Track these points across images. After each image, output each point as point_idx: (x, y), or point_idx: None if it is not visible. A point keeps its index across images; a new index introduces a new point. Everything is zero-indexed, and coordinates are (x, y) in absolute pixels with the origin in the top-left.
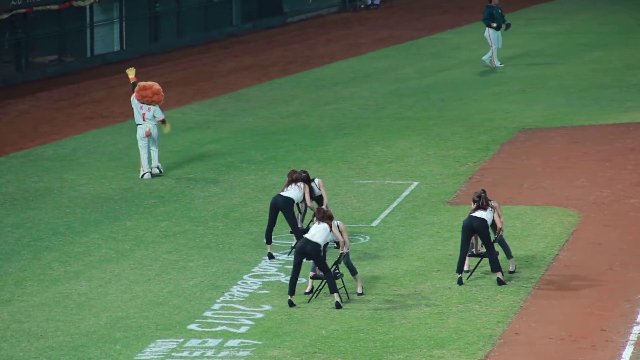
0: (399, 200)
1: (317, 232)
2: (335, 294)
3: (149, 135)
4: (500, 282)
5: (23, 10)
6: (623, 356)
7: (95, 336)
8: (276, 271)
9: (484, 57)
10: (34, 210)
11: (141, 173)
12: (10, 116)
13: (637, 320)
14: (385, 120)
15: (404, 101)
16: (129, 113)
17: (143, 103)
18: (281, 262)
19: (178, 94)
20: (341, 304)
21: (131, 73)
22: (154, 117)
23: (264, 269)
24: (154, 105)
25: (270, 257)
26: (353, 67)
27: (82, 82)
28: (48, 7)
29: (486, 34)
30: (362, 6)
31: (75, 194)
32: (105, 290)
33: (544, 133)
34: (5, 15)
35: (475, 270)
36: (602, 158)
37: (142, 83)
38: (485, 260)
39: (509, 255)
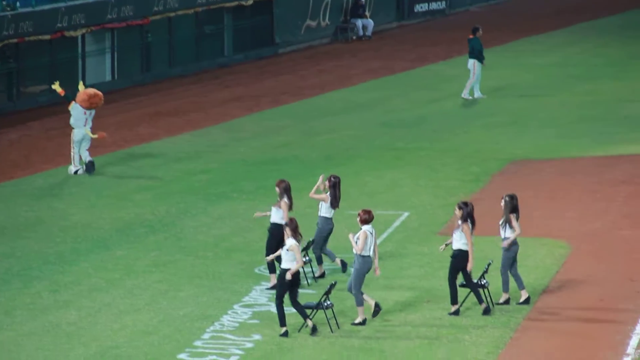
0: (389, 230)
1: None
2: (309, 320)
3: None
4: (486, 312)
5: (15, 40)
6: None
7: None
8: (267, 301)
9: (466, 94)
10: (24, 240)
11: (74, 169)
12: (1, 145)
13: (627, 352)
14: (376, 151)
15: (395, 132)
16: (120, 143)
17: (90, 109)
18: (272, 292)
19: (169, 124)
20: (317, 329)
21: (58, 88)
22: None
23: (254, 298)
24: (95, 109)
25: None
26: (344, 97)
27: None
28: (40, 37)
29: (471, 65)
30: (354, 37)
31: (65, 223)
32: (94, 319)
33: (534, 164)
34: None
35: (465, 300)
36: (593, 190)
37: (89, 91)
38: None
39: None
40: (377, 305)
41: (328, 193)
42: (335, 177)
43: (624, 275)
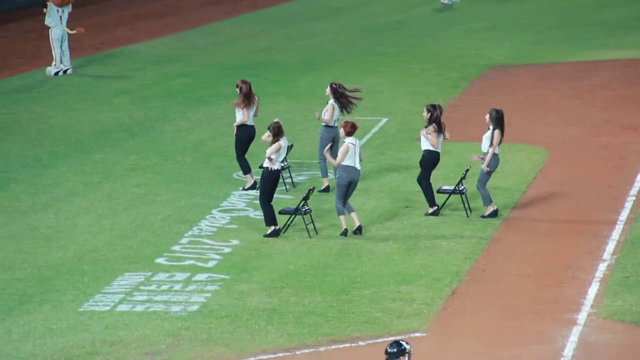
0: (368, 136)
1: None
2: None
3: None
4: (434, 214)
5: None
6: (589, 293)
7: (63, 269)
8: (245, 206)
9: None
10: (1, 142)
11: (54, 70)
12: None
13: (603, 257)
14: (356, 57)
15: (374, 37)
16: (98, 45)
17: (62, 6)
18: (250, 197)
19: (147, 27)
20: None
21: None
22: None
23: (233, 203)
24: (66, 6)
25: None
26: (324, 2)
27: None
28: None
29: None
30: None
31: (43, 126)
32: (73, 223)
33: (513, 70)
34: None
35: (443, 207)
36: (571, 95)
37: None
38: (454, 197)
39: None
40: (359, 228)
41: (330, 101)
42: (336, 84)
43: (601, 182)
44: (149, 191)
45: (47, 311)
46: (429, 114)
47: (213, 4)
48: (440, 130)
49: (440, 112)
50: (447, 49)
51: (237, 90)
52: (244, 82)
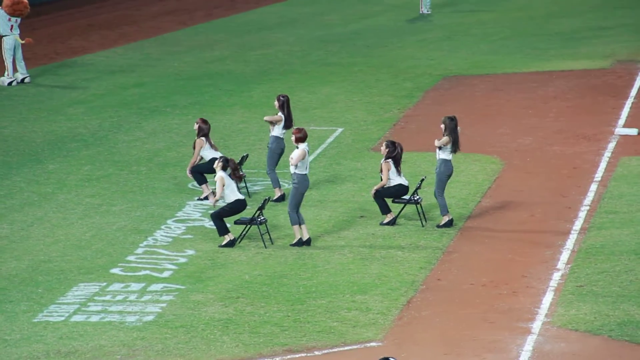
0: (323, 146)
1: None
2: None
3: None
4: (390, 223)
5: None
6: (543, 302)
7: (17, 279)
8: (200, 216)
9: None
10: None
11: (7, 80)
12: None
13: (557, 266)
14: (311, 67)
15: (329, 47)
16: (52, 55)
17: (14, 16)
18: (205, 207)
19: (101, 37)
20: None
21: None
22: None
23: (188, 213)
24: (20, 17)
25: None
26: (279, 12)
27: None
28: None
29: None
30: None
31: None
32: (27, 233)
33: (467, 80)
34: None
35: (399, 216)
36: (525, 105)
37: None
38: (410, 207)
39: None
40: (307, 241)
41: (279, 113)
42: (283, 96)
43: (555, 191)
44: (103, 201)
45: (0, 322)
46: (387, 150)
47: (168, 14)
48: (397, 166)
49: (401, 150)
50: (402, 59)
51: (196, 128)
52: (204, 121)
